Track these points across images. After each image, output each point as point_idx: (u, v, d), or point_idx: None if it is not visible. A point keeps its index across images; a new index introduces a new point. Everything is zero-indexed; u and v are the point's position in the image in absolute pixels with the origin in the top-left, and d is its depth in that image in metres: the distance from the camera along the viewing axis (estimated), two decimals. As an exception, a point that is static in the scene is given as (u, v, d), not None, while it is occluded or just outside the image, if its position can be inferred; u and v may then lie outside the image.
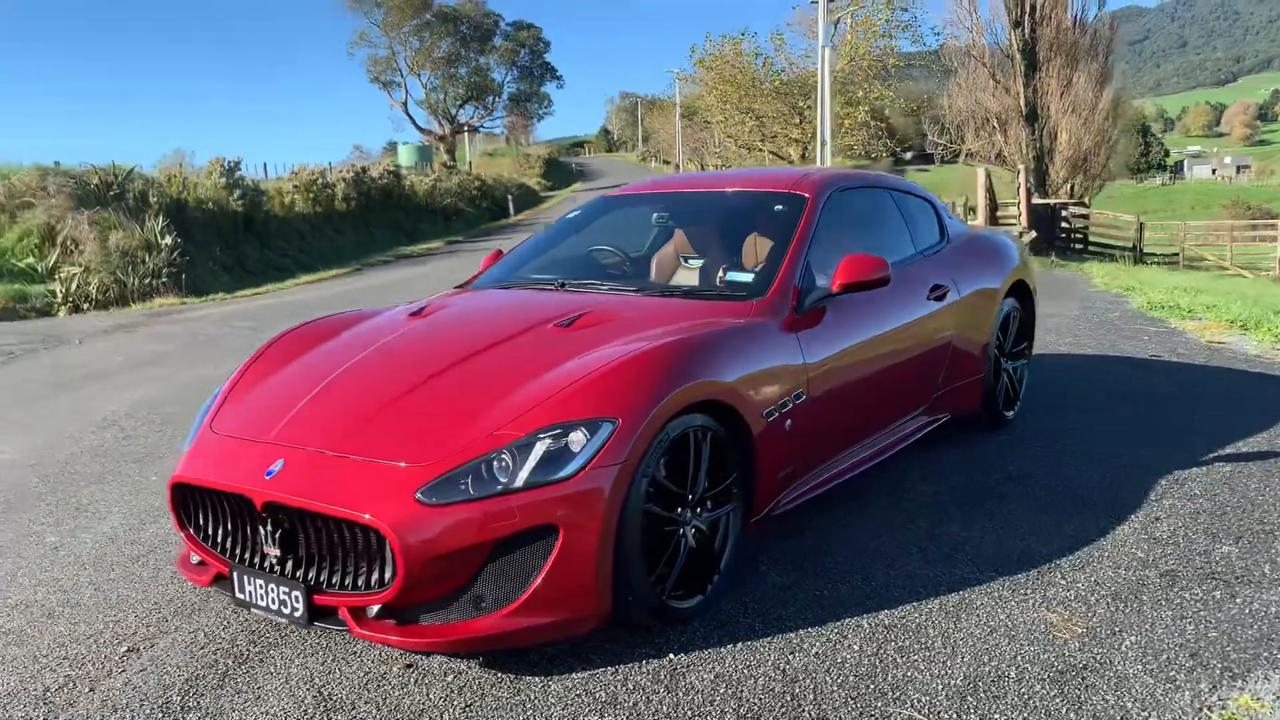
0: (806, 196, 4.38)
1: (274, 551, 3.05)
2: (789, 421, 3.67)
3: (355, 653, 3.20)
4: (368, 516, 2.84)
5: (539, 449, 2.92)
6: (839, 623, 3.28)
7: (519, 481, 2.87)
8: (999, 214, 26.36)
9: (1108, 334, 9.17)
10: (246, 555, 3.16)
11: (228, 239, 21.30)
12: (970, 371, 5.09)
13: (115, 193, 19.24)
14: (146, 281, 17.61)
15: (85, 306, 16.54)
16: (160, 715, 2.87)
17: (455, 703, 2.88)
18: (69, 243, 17.96)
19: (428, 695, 2.93)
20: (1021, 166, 27.76)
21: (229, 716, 2.85)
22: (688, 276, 4.52)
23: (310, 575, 3.01)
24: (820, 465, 4.03)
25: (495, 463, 2.91)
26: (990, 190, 25.55)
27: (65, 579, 3.95)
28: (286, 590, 3.00)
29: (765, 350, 3.63)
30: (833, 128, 43.36)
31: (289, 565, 3.05)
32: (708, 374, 3.30)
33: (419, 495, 2.86)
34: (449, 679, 3.01)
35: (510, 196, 42.28)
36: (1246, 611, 3.28)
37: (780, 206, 4.38)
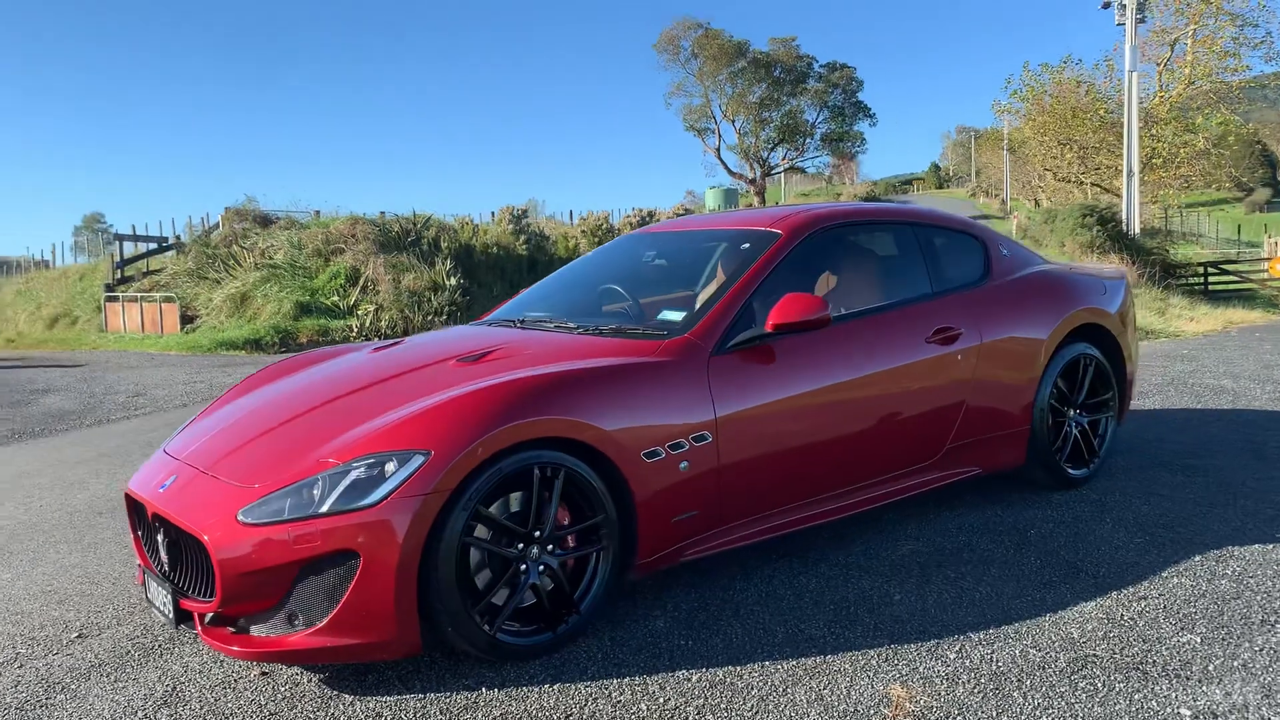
0: (779, 234, 4.24)
1: (164, 557, 3.42)
2: (685, 464, 3.58)
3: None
4: (205, 538, 3.12)
5: (351, 476, 3.08)
6: (672, 674, 3.16)
7: (325, 507, 3.04)
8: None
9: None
10: (153, 559, 3.55)
11: (511, 280, 22.94)
12: (1006, 423, 4.63)
13: (412, 239, 21.35)
14: (429, 319, 19.38)
15: (375, 340, 18.46)
16: (41, 693, 3.29)
17: (266, 709, 3.09)
18: (369, 283, 20.15)
19: (251, 700, 3.15)
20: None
21: (85, 700, 3.22)
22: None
23: (180, 581, 3.34)
24: (754, 514, 3.86)
25: (313, 488, 3.11)
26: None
27: (101, 573, 4.56)
28: (164, 593, 3.35)
29: (653, 389, 3.56)
30: (1165, 157, 39.81)
31: (177, 572, 3.40)
32: (556, 410, 3.30)
33: (239, 515, 3.11)
34: (284, 688, 3.22)
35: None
36: (1133, 709, 2.81)
37: (747, 245, 4.27)
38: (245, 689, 3.24)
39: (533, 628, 3.34)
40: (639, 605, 3.73)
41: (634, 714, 2.93)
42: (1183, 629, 3.33)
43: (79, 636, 3.78)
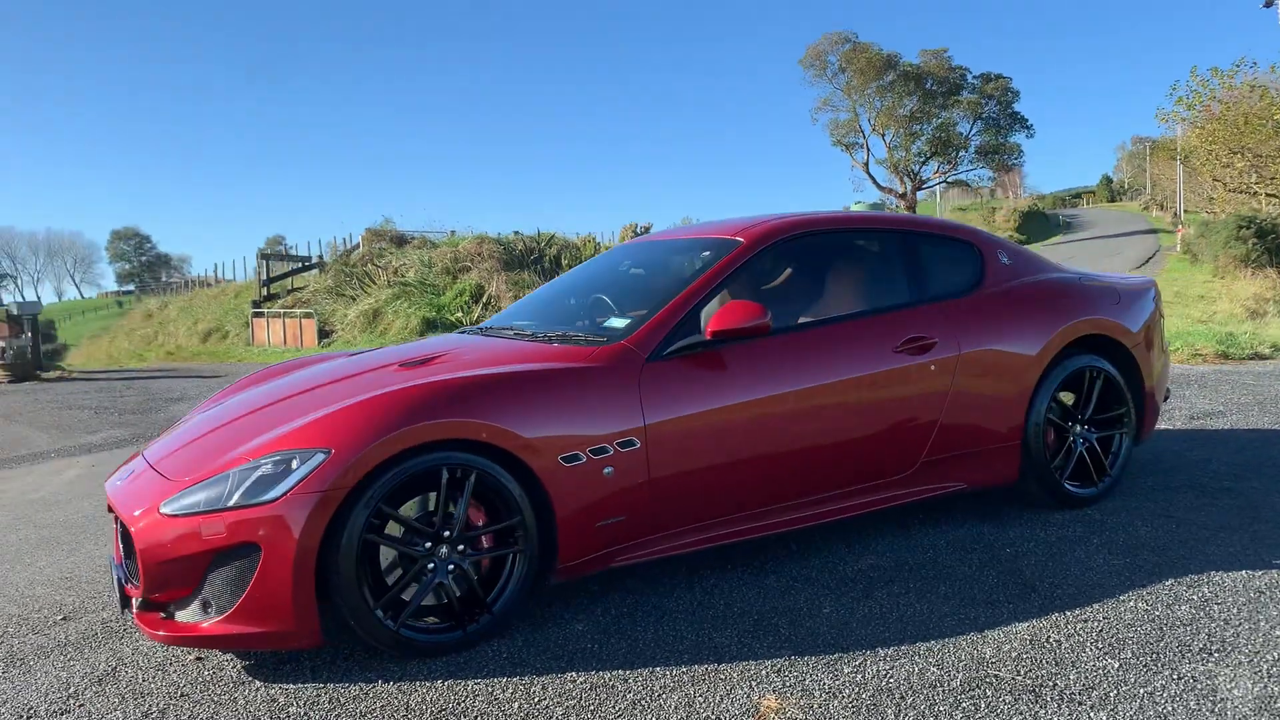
0: (739, 242, 4.20)
1: (121, 545, 3.66)
2: (609, 469, 3.59)
3: (181, 642, 3.68)
4: (133, 528, 3.34)
5: (258, 472, 3.24)
6: (562, 676, 3.18)
7: (233, 501, 3.21)
8: None
9: None
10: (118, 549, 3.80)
11: (632, 296, 23.21)
12: (992, 438, 4.43)
13: (534, 257, 21.86)
14: (546, 334, 19.78)
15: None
16: (1, 669, 3.57)
17: (182, 689, 3.26)
18: (491, 299, 20.73)
19: (173, 681, 3.33)
20: None
21: (33, 675, 3.48)
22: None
23: (127, 568, 3.57)
24: (694, 521, 3.83)
25: (225, 483, 3.27)
26: None
27: (118, 563, 4.89)
28: (115, 579, 3.59)
29: (576, 394, 3.59)
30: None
31: (132, 559, 3.63)
32: (463, 413, 3.37)
33: (161, 506, 3.31)
34: (208, 672, 3.40)
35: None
36: (1003, 733, 2.68)
37: (707, 253, 4.25)
38: (174, 671, 3.42)
39: (446, 625, 3.42)
40: (569, 608, 3.76)
41: (506, 713, 2.96)
42: (1106, 654, 3.13)
43: (64, 619, 4.07)
